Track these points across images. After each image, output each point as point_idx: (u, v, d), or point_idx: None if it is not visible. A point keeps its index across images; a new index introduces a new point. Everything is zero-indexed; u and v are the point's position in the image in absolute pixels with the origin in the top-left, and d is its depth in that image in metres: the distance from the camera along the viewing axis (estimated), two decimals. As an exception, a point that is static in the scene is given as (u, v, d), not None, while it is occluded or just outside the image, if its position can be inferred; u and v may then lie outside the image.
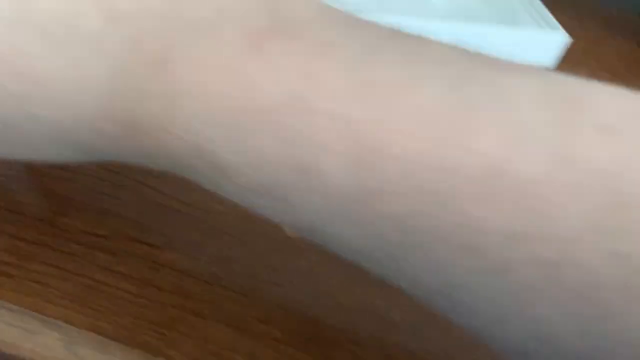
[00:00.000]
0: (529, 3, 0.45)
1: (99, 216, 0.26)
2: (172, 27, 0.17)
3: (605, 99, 0.16)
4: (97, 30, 0.17)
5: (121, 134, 0.18)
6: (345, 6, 0.18)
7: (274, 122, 0.16)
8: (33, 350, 0.22)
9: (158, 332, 0.23)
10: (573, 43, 0.42)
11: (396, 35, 0.17)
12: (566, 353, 0.17)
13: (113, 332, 0.22)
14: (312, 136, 0.16)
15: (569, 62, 0.43)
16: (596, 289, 0.16)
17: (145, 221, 0.26)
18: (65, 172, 0.27)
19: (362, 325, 0.25)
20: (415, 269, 0.17)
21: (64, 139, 0.19)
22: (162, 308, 0.23)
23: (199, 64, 0.16)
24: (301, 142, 0.16)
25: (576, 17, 0.53)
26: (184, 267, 0.25)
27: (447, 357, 0.24)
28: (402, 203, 0.16)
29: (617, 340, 0.16)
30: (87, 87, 0.17)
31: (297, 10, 0.17)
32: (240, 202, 0.18)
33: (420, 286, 0.18)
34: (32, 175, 0.26)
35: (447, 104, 0.16)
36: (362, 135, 0.16)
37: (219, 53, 0.16)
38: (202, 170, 0.18)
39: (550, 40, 0.41)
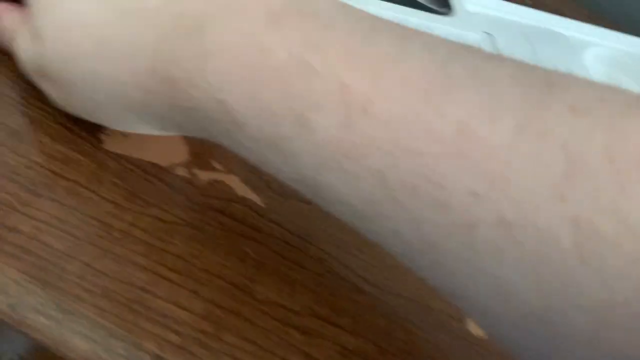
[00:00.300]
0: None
1: (289, 287, 0.25)
2: (210, 6, 0.21)
3: (575, 84, 0.18)
4: (155, 6, 0.21)
5: (161, 89, 0.22)
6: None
7: (280, 81, 0.19)
8: None
9: None
10: None
11: (395, 23, 0.20)
12: (523, 312, 0.18)
13: None
14: (311, 95, 0.19)
15: None
16: (555, 254, 0.17)
17: (332, 299, 0.25)
18: (255, 232, 0.26)
19: None
20: (395, 223, 0.19)
21: (119, 95, 0.23)
22: (357, 405, 0.22)
23: (226, 32, 0.20)
24: (301, 100, 0.19)
25: None
26: (373, 358, 0.24)
27: None
28: (382, 158, 0.18)
29: (571, 304, 0.17)
30: (139, 50, 0.21)
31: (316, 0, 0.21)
32: (251, 155, 0.22)
33: (399, 242, 0.20)
34: (226, 233, 0.25)
35: (429, 76, 0.18)
36: (352, 97, 0.18)
37: (244, 25, 0.20)
38: (221, 122, 0.21)
39: None
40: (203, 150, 0.28)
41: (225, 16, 0.20)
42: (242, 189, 0.27)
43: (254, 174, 0.28)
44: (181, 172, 0.27)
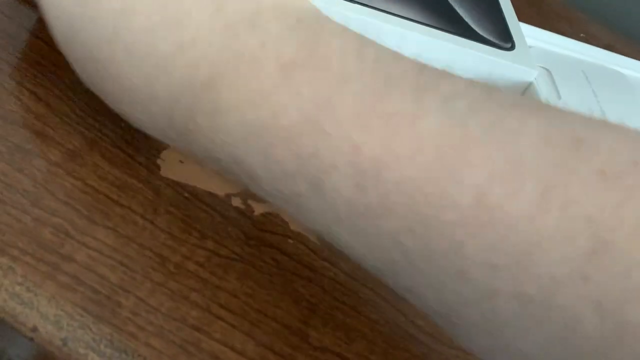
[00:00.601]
0: None
1: (343, 333, 0.24)
2: (224, 57, 0.19)
3: (608, 143, 0.17)
4: (169, 54, 0.20)
5: (178, 138, 0.21)
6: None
7: (292, 141, 0.18)
8: None
9: None
10: None
11: (415, 69, 0.19)
12: None
13: None
14: (322, 155, 0.18)
15: None
16: (580, 337, 0.16)
17: (386, 347, 0.24)
18: (310, 271, 0.25)
19: None
20: (413, 284, 0.19)
21: (144, 129, 0.23)
22: None
23: (239, 89, 0.19)
24: (313, 161, 0.18)
25: None
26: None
27: None
28: (398, 222, 0.17)
29: None
30: (156, 98, 0.21)
31: (330, 45, 0.19)
32: (272, 203, 0.21)
33: (419, 301, 0.19)
34: (281, 271, 0.24)
35: (447, 137, 0.17)
36: (364, 159, 0.17)
37: (253, 80, 0.19)
38: (239, 175, 0.20)
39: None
40: (259, 180, 0.27)
41: (237, 70, 0.19)
42: (296, 224, 0.26)
43: (309, 208, 0.27)
44: (237, 202, 0.26)
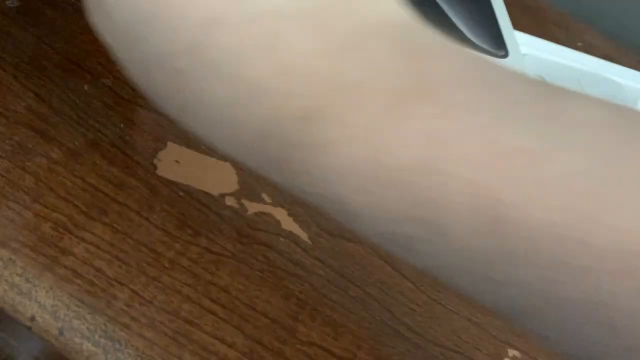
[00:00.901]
0: None
1: (331, 329, 0.25)
2: (328, 87, 0.18)
3: None
4: (263, 78, 0.18)
5: (273, 168, 0.19)
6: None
7: (403, 182, 0.17)
8: None
9: None
10: None
11: (535, 94, 0.17)
12: None
13: None
14: (440, 198, 0.16)
15: None
16: None
17: (373, 343, 0.25)
18: (300, 268, 0.26)
19: None
20: (547, 333, 0.17)
21: (233, 156, 0.20)
22: None
23: (343, 123, 0.17)
24: (429, 202, 0.16)
25: None
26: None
27: None
28: (531, 271, 0.16)
29: None
30: (244, 123, 0.18)
31: (440, 69, 0.17)
32: (371, 242, 0.20)
33: (559, 349, 0.18)
34: (272, 268, 0.25)
35: (584, 176, 0.15)
36: (492, 201, 0.16)
37: (361, 113, 0.17)
38: (338, 214, 0.19)
39: None
40: (252, 180, 0.28)
41: (341, 101, 0.17)
42: (288, 223, 0.27)
43: (301, 208, 0.28)
44: (230, 202, 0.27)
